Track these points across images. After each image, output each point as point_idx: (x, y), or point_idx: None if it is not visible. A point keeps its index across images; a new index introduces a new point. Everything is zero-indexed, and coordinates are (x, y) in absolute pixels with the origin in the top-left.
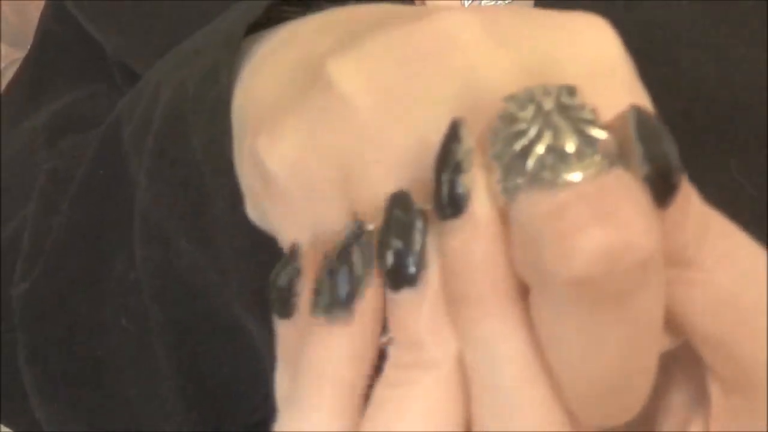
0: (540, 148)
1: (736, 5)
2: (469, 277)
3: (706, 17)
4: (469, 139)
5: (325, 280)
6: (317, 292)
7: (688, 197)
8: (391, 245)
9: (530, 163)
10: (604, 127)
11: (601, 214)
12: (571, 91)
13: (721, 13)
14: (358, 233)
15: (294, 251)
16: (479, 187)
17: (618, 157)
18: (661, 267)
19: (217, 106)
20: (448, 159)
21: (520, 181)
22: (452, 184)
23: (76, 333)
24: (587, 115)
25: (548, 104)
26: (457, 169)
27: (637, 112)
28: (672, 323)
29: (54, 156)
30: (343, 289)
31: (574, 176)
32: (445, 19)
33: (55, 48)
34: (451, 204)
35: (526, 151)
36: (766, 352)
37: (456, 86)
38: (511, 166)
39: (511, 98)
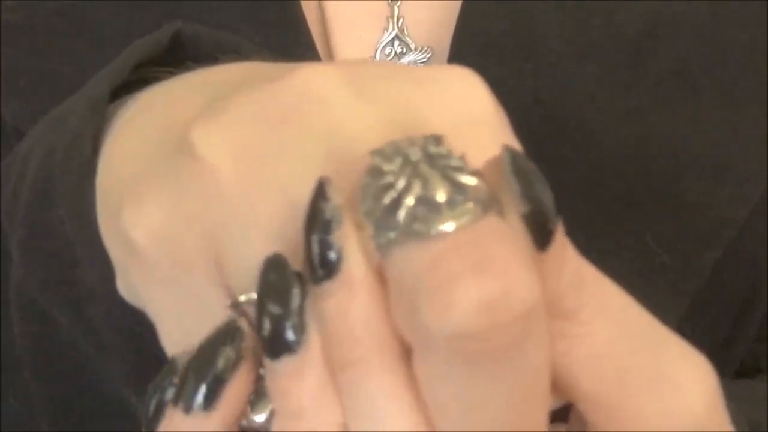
0: (410, 200)
1: (646, 70)
2: (349, 339)
3: (616, 81)
4: (336, 197)
5: (189, 380)
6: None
7: (565, 244)
8: (268, 311)
9: (401, 215)
10: (474, 173)
11: (477, 264)
12: (438, 140)
13: (631, 77)
14: (227, 330)
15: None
16: (351, 245)
17: (492, 202)
18: (545, 317)
19: (81, 177)
20: (316, 218)
21: (392, 235)
22: (323, 244)
23: None
24: (455, 162)
25: (415, 155)
26: (327, 228)
27: (512, 152)
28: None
29: None
30: (200, 394)
31: (447, 226)
32: (306, 76)
33: None
34: (323, 265)
35: (396, 203)
36: (648, 411)
37: (321, 144)
38: (383, 220)
39: (377, 152)
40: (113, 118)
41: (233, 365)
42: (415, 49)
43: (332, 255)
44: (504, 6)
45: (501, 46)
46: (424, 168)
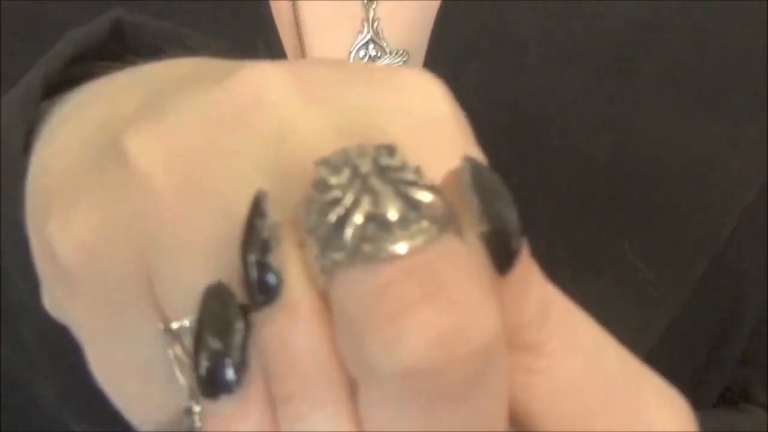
0: (358, 218)
1: (630, 77)
2: (291, 371)
3: (599, 88)
4: (274, 213)
5: None
6: None
7: (530, 268)
8: (206, 346)
9: (348, 235)
10: (430, 187)
11: (430, 293)
12: (391, 150)
13: (614, 84)
14: None
15: None
16: (293, 266)
17: (450, 221)
18: (505, 351)
19: (9, 176)
20: (252, 238)
21: (338, 256)
22: (260, 266)
23: None
24: (410, 176)
25: (365, 166)
26: (265, 248)
27: (473, 165)
28: (510, 412)
29: None
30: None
31: (399, 247)
32: (252, 78)
33: None
34: (261, 289)
35: (343, 221)
36: None
37: (267, 153)
38: (328, 240)
39: (323, 162)
40: (49, 115)
41: None
42: (391, 53)
43: (271, 278)
44: (482, 10)
45: (478, 50)
46: (375, 182)
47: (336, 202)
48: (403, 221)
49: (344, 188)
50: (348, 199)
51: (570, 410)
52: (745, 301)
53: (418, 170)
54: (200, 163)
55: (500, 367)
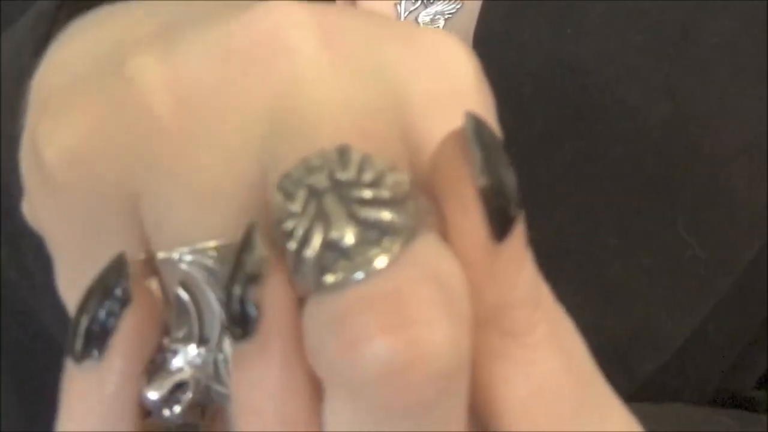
0: (314, 247)
1: (696, 44)
2: (263, 409)
3: (662, 54)
4: (263, 247)
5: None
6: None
7: (525, 246)
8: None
9: (308, 266)
10: (389, 201)
11: (387, 324)
12: (344, 154)
13: (679, 51)
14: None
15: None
16: (270, 304)
17: (419, 223)
18: (468, 371)
19: (17, 86)
20: (239, 272)
21: (304, 284)
22: (241, 302)
23: None
24: (366, 192)
25: (322, 182)
26: (248, 282)
27: (477, 121)
28: (476, 408)
29: None
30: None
31: (358, 275)
32: (270, 15)
33: None
34: (241, 323)
35: (300, 252)
36: None
37: (274, 102)
38: (295, 270)
39: (281, 186)
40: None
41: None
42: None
43: (250, 312)
44: None
45: (538, 6)
46: (330, 202)
47: (292, 232)
48: (361, 245)
49: (298, 217)
50: (301, 229)
51: (543, 414)
52: None
53: (379, 177)
54: (205, 98)
55: (461, 388)
